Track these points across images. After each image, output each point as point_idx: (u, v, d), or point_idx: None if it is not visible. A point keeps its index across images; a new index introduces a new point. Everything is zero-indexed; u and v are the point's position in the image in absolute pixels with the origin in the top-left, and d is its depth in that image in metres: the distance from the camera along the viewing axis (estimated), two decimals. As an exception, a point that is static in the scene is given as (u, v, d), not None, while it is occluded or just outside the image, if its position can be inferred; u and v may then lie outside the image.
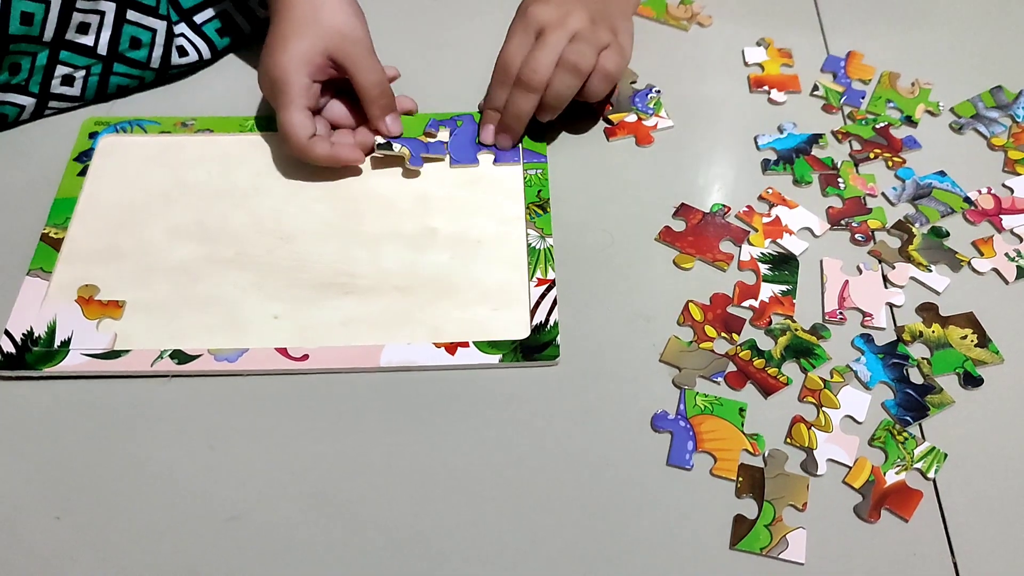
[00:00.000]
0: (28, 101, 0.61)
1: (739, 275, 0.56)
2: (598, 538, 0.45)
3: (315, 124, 0.58)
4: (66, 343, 0.51)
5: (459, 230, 0.58)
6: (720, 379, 0.51)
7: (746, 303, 0.55)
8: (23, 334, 0.51)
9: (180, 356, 0.50)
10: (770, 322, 0.54)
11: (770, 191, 0.61)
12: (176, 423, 0.49)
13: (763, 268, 0.57)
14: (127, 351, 0.51)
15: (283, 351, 0.51)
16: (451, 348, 0.52)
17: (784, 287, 0.56)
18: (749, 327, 0.54)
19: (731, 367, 0.52)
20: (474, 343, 0.52)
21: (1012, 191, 0.61)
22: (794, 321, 0.54)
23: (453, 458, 0.48)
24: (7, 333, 0.51)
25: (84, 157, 0.60)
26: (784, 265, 0.57)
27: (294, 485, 0.47)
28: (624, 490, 0.47)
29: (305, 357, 0.51)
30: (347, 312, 0.53)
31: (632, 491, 0.47)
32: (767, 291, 0.55)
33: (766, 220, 0.59)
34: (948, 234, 0.58)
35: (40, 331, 0.51)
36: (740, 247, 0.58)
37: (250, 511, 0.46)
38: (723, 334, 0.53)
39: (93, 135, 0.61)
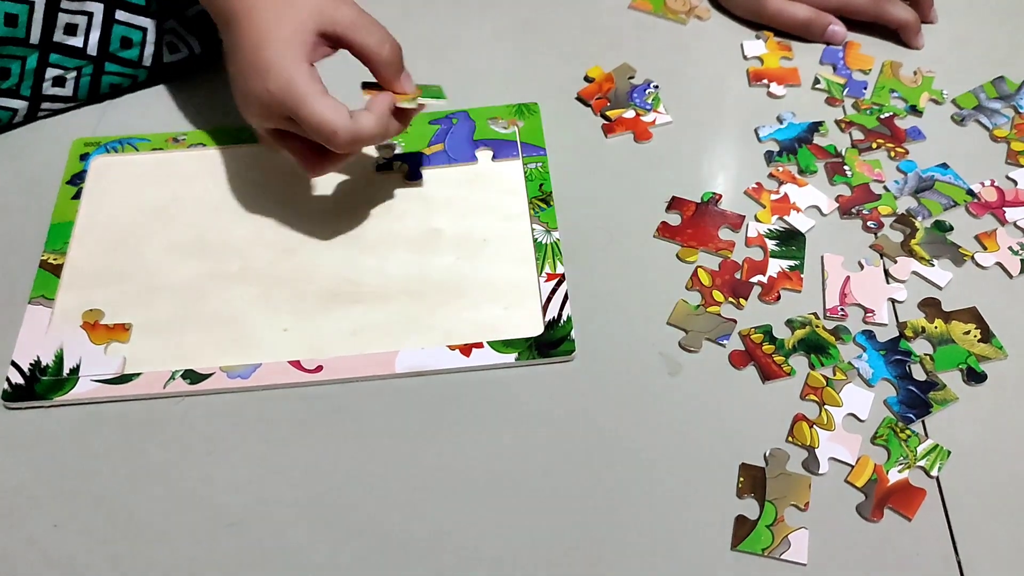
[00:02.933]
0: (20, 104, 0.61)
1: (747, 251, 0.57)
2: (598, 539, 0.45)
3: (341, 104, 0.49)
4: (75, 370, 0.50)
5: (463, 230, 0.57)
6: (725, 342, 0.52)
7: (755, 278, 0.55)
8: (30, 364, 0.50)
9: (192, 376, 0.50)
10: (778, 297, 0.54)
11: (780, 169, 0.61)
12: (178, 431, 0.49)
13: (770, 244, 0.57)
14: (138, 374, 0.50)
15: (296, 364, 0.51)
16: (466, 350, 0.51)
17: (792, 262, 0.56)
18: (766, 311, 0.54)
19: (738, 345, 0.52)
20: (488, 343, 0.51)
21: (1015, 183, 0.60)
22: (817, 317, 0.53)
23: (457, 460, 0.48)
24: (14, 364, 0.50)
25: (77, 180, 0.59)
26: (791, 240, 0.57)
27: (304, 494, 0.47)
28: (624, 491, 0.47)
29: (319, 368, 0.50)
30: (357, 320, 0.53)
31: (632, 492, 0.47)
32: (775, 267, 0.55)
33: (774, 197, 0.59)
34: (951, 228, 0.58)
35: (47, 360, 0.51)
36: (742, 228, 0.58)
37: (252, 518, 0.46)
38: (730, 299, 0.54)
39: (84, 156, 0.60)
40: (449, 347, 0.51)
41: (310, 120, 0.48)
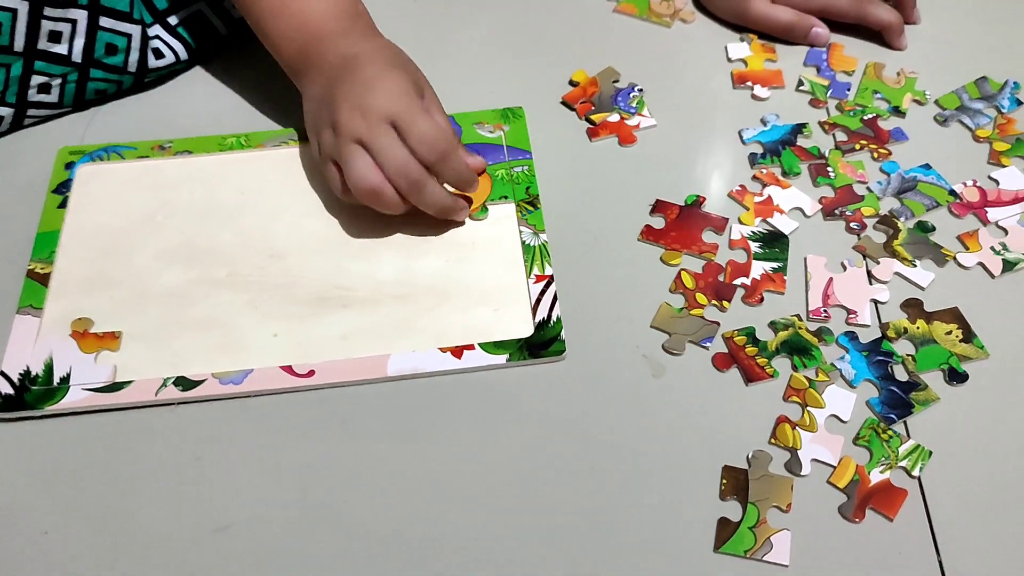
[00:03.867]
0: (6, 112, 0.61)
1: (730, 254, 0.57)
2: (582, 541, 0.45)
3: None
4: (65, 379, 0.50)
5: (451, 233, 0.57)
6: (708, 344, 0.52)
7: (738, 281, 0.55)
8: (20, 374, 0.50)
9: (184, 383, 0.50)
10: (762, 299, 0.54)
11: (764, 171, 0.61)
12: (171, 438, 0.49)
13: (754, 246, 0.57)
14: (129, 382, 0.50)
15: (288, 368, 0.51)
16: (457, 352, 0.52)
17: (775, 264, 0.56)
18: (750, 313, 0.54)
19: (722, 348, 0.52)
20: (479, 345, 0.52)
21: (997, 183, 0.61)
22: (800, 319, 0.53)
23: (449, 462, 0.48)
24: (3, 374, 0.50)
25: (63, 188, 0.59)
26: (775, 243, 0.57)
27: (299, 497, 0.47)
28: (607, 493, 0.47)
29: (311, 373, 0.51)
30: (347, 325, 0.53)
31: (616, 494, 0.47)
32: (758, 269, 0.56)
33: (758, 199, 0.60)
34: (934, 229, 0.58)
35: (37, 369, 0.50)
36: (726, 230, 0.58)
37: (248, 523, 0.46)
38: (713, 301, 0.54)
39: (69, 165, 0.60)
40: (440, 349, 0.52)
41: (421, 123, 0.53)
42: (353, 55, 0.56)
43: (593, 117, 0.64)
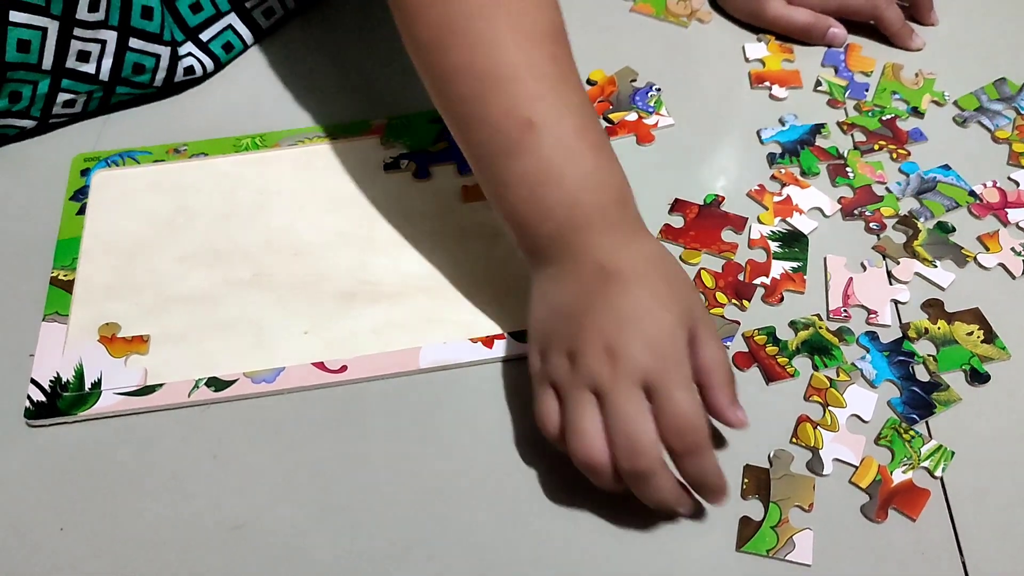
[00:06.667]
0: (29, 123, 0.61)
1: (750, 253, 0.57)
2: (602, 539, 0.46)
3: None
4: (97, 384, 0.50)
5: (474, 224, 0.58)
6: (729, 343, 0.52)
7: (758, 280, 0.55)
8: (50, 381, 0.50)
9: (216, 383, 0.50)
10: (782, 299, 0.54)
11: (783, 171, 0.61)
12: (182, 433, 0.49)
13: (773, 246, 0.57)
14: (160, 385, 0.50)
15: (320, 365, 0.51)
16: (488, 341, 0.52)
17: (795, 264, 0.56)
18: (770, 313, 0.54)
19: (742, 347, 0.52)
20: (509, 334, 0.52)
21: (1018, 184, 0.60)
22: (820, 319, 0.53)
23: (464, 458, 0.48)
24: (34, 382, 0.50)
25: (80, 195, 0.59)
26: (794, 242, 0.57)
27: (311, 495, 0.47)
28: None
29: (344, 368, 0.51)
30: (376, 319, 0.53)
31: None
32: (778, 268, 0.56)
33: (777, 199, 0.60)
34: (954, 229, 0.58)
35: (68, 376, 0.51)
36: (746, 229, 0.58)
37: (257, 521, 0.46)
38: (733, 300, 0.54)
39: (85, 172, 0.60)
40: (471, 340, 0.52)
41: (679, 397, 0.42)
42: (616, 269, 0.44)
43: (611, 116, 0.64)
